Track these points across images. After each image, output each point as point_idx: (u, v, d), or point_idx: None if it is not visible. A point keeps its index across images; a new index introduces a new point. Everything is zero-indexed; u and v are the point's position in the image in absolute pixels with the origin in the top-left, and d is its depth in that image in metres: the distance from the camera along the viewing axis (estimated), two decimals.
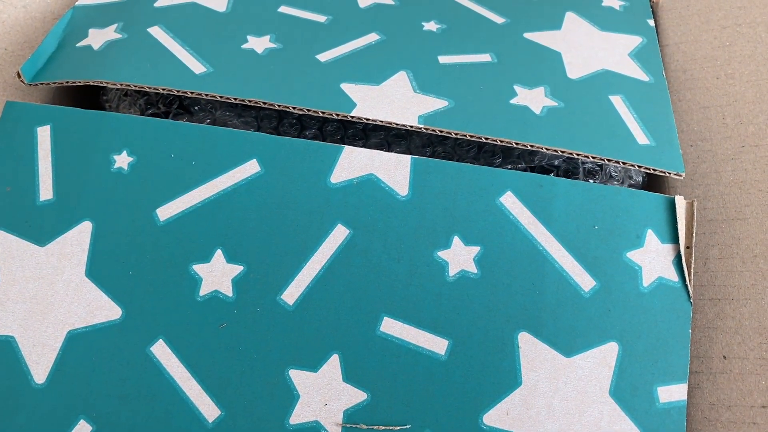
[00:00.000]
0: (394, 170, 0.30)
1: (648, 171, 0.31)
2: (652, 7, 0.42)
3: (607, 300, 0.29)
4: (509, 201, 0.30)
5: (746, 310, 0.31)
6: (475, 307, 0.29)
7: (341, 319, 0.29)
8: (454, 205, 0.30)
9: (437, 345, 0.29)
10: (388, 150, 0.36)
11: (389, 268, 0.29)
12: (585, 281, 0.29)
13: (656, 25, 0.42)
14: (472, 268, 0.29)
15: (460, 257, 0.29)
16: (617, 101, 0.34)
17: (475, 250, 0.29)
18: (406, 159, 0.31)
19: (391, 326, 0.29)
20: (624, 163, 0.31)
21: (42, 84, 0.34)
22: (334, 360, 0.28)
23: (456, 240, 0.30)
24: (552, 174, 0.35)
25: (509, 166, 0.35)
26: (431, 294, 0.29)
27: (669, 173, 0.31)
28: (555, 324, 0.29)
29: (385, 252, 0.29)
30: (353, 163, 0.31)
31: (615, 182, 0.35)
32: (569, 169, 0.35)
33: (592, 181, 0.35)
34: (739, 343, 0.30)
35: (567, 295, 0.29)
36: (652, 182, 0.37)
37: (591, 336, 0.29)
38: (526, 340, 0.29)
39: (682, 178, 0.31)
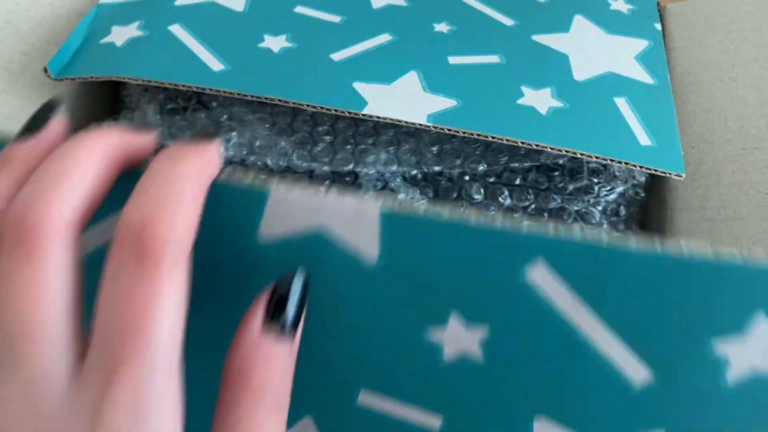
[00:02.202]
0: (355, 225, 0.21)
1: (649, 171, 0.32)
2: (659, 10, 0.43)
3: (665, 394, 0.21)
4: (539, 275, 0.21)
5: None
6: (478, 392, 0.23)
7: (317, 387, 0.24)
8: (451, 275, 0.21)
9: (429, 421, 0.24)
10: (398, 147, 0.37)
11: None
12: (638, 372, 0.21)
13: (663, 29, 0.43)
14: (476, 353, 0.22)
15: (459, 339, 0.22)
16: (621, 103, 0.35)
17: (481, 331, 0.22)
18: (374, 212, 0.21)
19: (370, 400, 0.24)
20: (626, 164, 0.32)
21: (67, 79, 0.36)
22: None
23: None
24: (556, 173, 0.36)
25: (515, 164, 0.36)
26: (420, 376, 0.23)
27: (670, 174, 0.32)
28: (585, 413, 0.22)
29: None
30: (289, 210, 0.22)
31: (619, 182, 0.36)
32: (574, 168, 0.36)
33: (595, 180, 0.36)
34: None
35: (611, 387, 0.22)
36: (655, 183, 0.38)
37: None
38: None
39: (682, 179, 0.32)
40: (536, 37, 0.38)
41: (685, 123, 0.38)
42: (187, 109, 0.38)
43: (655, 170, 0.32)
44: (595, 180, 0.36)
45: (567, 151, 0.32)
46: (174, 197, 0.19)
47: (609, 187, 0.36)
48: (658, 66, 0.38)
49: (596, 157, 0.32)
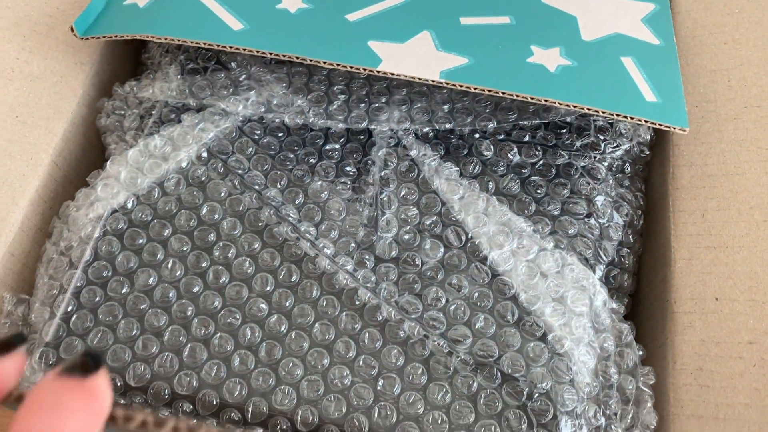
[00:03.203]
0: None
1: (654, 126, 0.33)
2: None
3: None
4: None
5: (739, 256, 0.33)
6: None
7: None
8: None
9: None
10: (411, 106, 0.38)
11: None
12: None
13: None
14: None
15: None
16: (628, 62, 0.36)
17: None
18: None
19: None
20: (632, 118, 0.33)
21: (92, 38, 0.37)
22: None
23: None
24: (564, 130, 0.38)
25: (524, 122, 0.37)
26: None
27: (674, 128, 0.33)
28: None
29: None
30: None
31: (624, 139, 0.37)
32: (581, 125, 0.38)
33: (601, 137, 0.37)
34: (731, 287, 0.33)
35: None
36: (659, 140, 0.39)
37: None
38: None
39: (686, 133, 0.34)
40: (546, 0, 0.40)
41: (688, 83, 0.39)
42: (207, 69, 0.39)
43: (660, 124, 0.33)
44: (602, 137, 0.37)
45: (575, 107, 0.34)
46: None
47: (615, 144, 0.37)
48: (664, 28, 0.39)
49: (603, 113, 0.34)
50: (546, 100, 0.34)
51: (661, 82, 0.36)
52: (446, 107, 0.38)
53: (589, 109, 0.34)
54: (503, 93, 0.34)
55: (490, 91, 0.34)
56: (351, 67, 0.34)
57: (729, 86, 0.38)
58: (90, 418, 0.17)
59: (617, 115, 0.34)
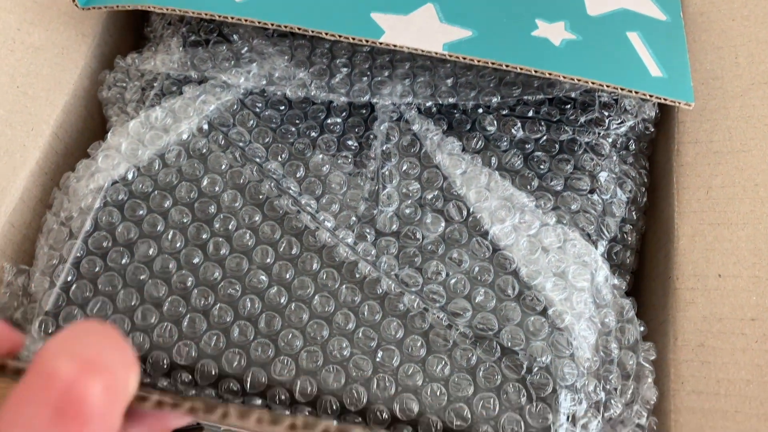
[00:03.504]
0: None
1: (659, 100, 0.33)
2: None
3: None
4: None
5: (743, 233, 0.33)
6: None
7: None
8: None
9: None
10: (414, 80, 0.38)
11: None
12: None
13: None
14: None
15: None
16: (633, 37, 0.36)
17: None
18: None
19: None
20: (637, 93, 0.33)
21: (94, 8, 0.37)
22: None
23: None
24: (568, 106, 0.37)
25: (528, 97, 0.37)
26: None
27: (679, 103, 0.33)
28: None
29: None
30: None
31: (629, 116, 0.37)
32: (585, 101, 0.37)
33: (606, 113, 0.37)
34: (734, 263, 0.32)
35: None
36: (664, 117, 0.39)
37: None
38: None
39: (691, 108, 0.33)
40: None
41: (695, 60, 0.39)
42: (209, 42, 0.39)
43: (665, 99, 0.33)
44: (606, 113, 0.37)
45: (579, 80, 0.33)
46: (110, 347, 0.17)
47: (619, 120, 0.37)
48: (671, 4, 0.39)
49: (607, 86, 0.33)
50: (550, 74, 0.33)
51: (666, 58, 0.35)
52: (450, 81, 0.38)
53: (593, 83, 0.33)
54: (507, 66, 0.33)
55: (493, 63, 0.33)
56: (353, 39, 0.34)
57: (736, 63, 0.38)
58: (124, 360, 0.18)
59: (622, 89, 0.33)
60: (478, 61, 0.33)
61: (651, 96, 0.33)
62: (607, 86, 0.33)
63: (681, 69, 0.35)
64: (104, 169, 0.35)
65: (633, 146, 0.38)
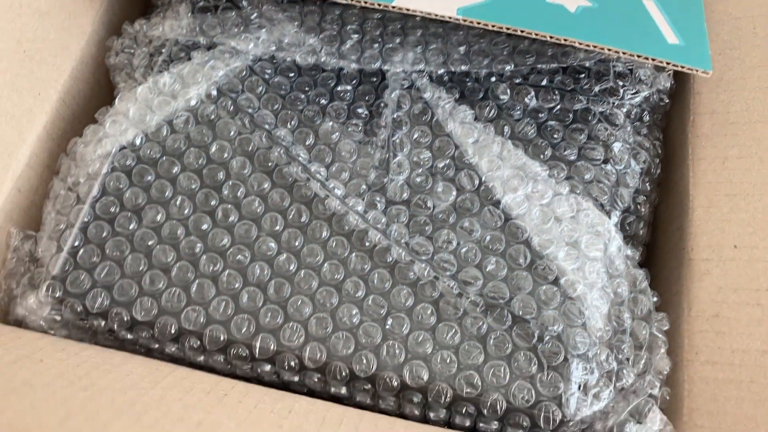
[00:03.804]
0: None
1: (676, 68, 0.32)
2: None
3: None
4: None
5: (760, 204, 0.32)
6: None
7: None
8: None
9: None
10: (426, 47, 0.37)
11: None
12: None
13: None
14: None
15: None
16: (650, 4, 0.35)
17: None
18: None
19: None
20: (653, 60, 0.32)
21: None
22: None
23: None
24: (582, 75, 0.37)
25: (542, 65, 0.36)
26: None
27: (697, 70, 0.32)
28: None
29: None
30: None
31: (644, 86, 0.36)
32: (600, 70, 0.37)
33: (621, 82, 0.36)
34: (750, 234, 0.32)
35: None
36: (679, 88, 0.38)
37: None
38: None
39: (708, 75, 0.33)
40: None
41: (712, 31, 0.38)
42: (218, 8, 0.39)
43: (682, 66, 0.32)
44: (621, 83, 0.36)
45: (594, 47, 0.33)
46: None
47: (634, 91, 0.36)
48: None
49: (623, 53, 0.33)
50: (566, 40, 0.33)
51: (683, 25, 0.34)
52: (462, 49, 0.37)
53: (609, 50, 0.33)
54: (522, 32, 0.33)
55: (508, 29, 0.33)
56: (365, 3, 0.33)
57: (754, 33, 0.37)
58: None
59: (638, 56, 0.33)
60: (493, 26, 0.33)
61: (668, 63, 0.32)
62: (623, 53, 0.33)
63: (698, 36, 0.34)
64: (112, 135, 0.35)
65: (647, 117, 0.37)
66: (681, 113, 0.37)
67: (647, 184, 0.35)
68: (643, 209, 0.35)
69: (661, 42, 0.33)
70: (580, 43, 0.33)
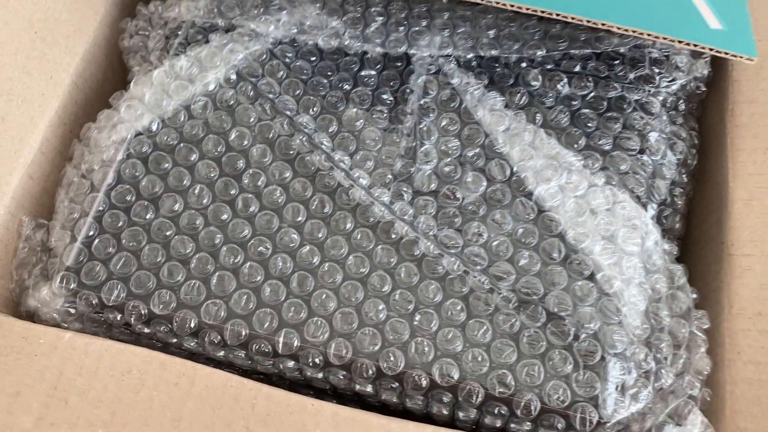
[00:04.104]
0: None
1: (719, 54, 0.31)
2: None
3: None
4: None
5: None
6: None
7: None
8: None
9: None
10: (453, 31, 0.36)
11: None
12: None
13: None
14: None
15: None
16: None
17: None
18: None
19: None
20: (695, 45, 0.31)
21: None
22: None
23: None
24: (617, 62, 0.35)
25: (574, 51, 0.35)
26: None
27: (741, 57, 0.31)
28: None
29: None
30: None
31: (681, 73, 0.35)
32: (635, 57, 0.35)
33: (657, 69, 0.35)
34: None
35: None
36: (716, 77, 0.36)
37: None
38: None
39: (753, 62, 0.31)
40: None
41: (752, 17, 0.36)
42: None
43: (726, 53, 0.31)
44: (657, 70, 0.35)
45: (634, 32, 0.31)
46: None
47: (670, 78, 0.35)
48: None
49: (664, 38, 0.31)
50: (603, 24, 0.31)
51: (725, 9, 0.33)
52: (492, 33, 0.35)
53: (648, 35, 0.31)
54: (557, 15, 0.31)
55: (543, 12, 0.31)
56: None
57: None
58: None
59: (679, 42, 0.31)
60: (527, 9, 0.31)
61: (711, 49, 0.31)
62: (663, 38, 0.31)
63: (741, 21, 0.33)
64: (127, 120, 0.33)
65: (682, 106, 0.36)
66: (718, 102, 0.36)
67: (683, 176, 0.34)
68: (679, 202, 0.34)
69: (702, 27, 0.32)
70: (619, 28, 0.31)
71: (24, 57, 0.34)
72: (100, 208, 0.32)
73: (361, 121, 0.34)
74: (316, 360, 0.29)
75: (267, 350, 0.29)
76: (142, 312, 0.30)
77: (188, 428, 0.26)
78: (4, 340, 0.29)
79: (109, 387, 0.27)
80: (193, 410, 0.27)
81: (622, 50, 0.35)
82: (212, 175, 0.33)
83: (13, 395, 0.27)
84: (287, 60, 0.36)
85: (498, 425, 0.29)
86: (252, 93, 0.34)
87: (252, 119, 0.34)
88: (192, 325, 0.30)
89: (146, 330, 0.30)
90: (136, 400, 0.27)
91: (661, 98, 0.34)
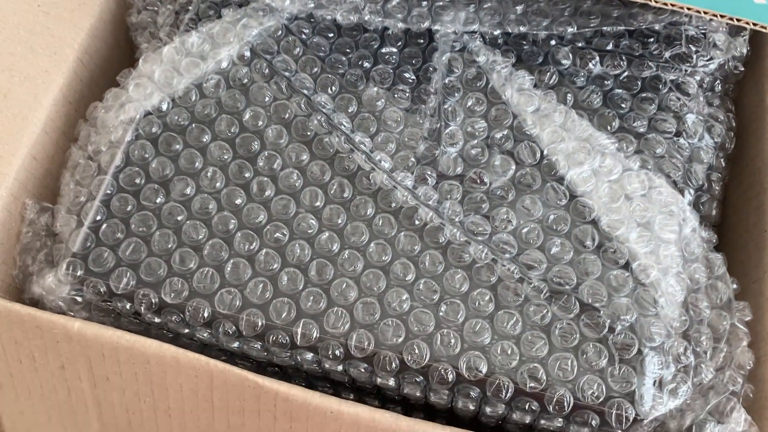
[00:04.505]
0: None
1: (764, 30, 0.29)
2: None
3: None
4: None
5: None
6: None
7: None
8: None
9: None
10: (479, 5, 0.34)
11: None
12: None
13: None
14: None
15: None
16: None
17: None
18: None
19: None
20: (739, 20, 0.29)
21: None
22: None
23: None
24: (651, 39, 0.33)
25: (607, 28, 0.33)
26: None
27: None
28: None
29: None
30: None
31: (718, 52, 0.33)
32: (671, 35, 0.33)
33: (693, 47, 0.33)
34: None
35: None
36: (754, 56, 0.35)
37: None
38: None
39: None
40: None
41: None
42: None
43: None
44: (694, 48, 0.33)
45: (673, 6, 0.29)
46: None
47: (708, 57, 0.33)
48: None
49: (705, 13, 0.29)
50: None
51: None
52: (519, 8, 0.34)
53: (689, 9, 0.29)
54: None
55: None
56: None
57: None
58: None
59: (721, 17, 0.29)
60: None
61: (755, 24, 0.29)
62: (705, 13, 0.29)
63: None
64: (136, 99, 0.32)
65: (719, 87, 0.34)
66: (756, 82, 0.34)
67: (721, 160, 0.32)
68: (716, 187, 0.32)
69: (746, 1, 0.30)
70: (656, 2, 0.29)
71: (27, 32, 0.32)
72: (108, 192, 0.30)
73: (382, 100, 0.32)
74: (336, 352, 0.28)
75: (284, 341, 0.28)
76: (153, 301, 0.28)
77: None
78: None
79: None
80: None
81: (656, 27, 0.33)
82: (225, 157, 0.31)
83: None
84: (304, 36, 0.34)
85: (527, 421, 0.28)
86: (267, 71, 0.33)
87: (267, 98, 0.32)
88: (205, 314, 0.28)
89: (157, 319, 0.29)
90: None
91: (698, 78, 0.33)
